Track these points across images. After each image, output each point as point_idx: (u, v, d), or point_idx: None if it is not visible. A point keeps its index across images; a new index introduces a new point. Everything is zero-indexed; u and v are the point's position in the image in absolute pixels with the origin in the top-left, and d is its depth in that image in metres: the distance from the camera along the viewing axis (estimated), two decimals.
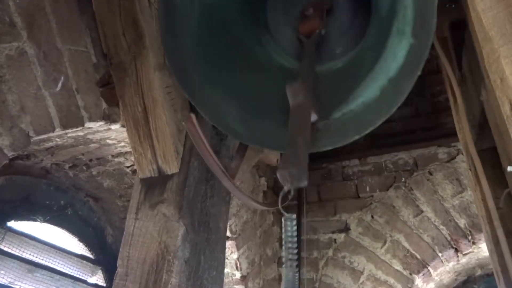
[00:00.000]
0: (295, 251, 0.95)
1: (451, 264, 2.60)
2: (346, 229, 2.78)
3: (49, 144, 1.64)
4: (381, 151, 2.81)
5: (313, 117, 1.03)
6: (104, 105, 1.51)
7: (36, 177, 2.05)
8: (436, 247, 2.56)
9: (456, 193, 2.57)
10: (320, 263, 2.77)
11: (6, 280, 1.90)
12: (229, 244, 2.37)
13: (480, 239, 2.45)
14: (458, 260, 2.59)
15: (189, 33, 1.20)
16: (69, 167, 2.08)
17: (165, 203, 1.27)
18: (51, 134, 1.40)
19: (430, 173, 2.66)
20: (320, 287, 2.71)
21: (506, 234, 1.28)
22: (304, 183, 0.88)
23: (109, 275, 2.36)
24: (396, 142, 2.78)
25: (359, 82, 1.11)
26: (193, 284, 1.23)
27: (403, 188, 2.71)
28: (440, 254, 2.56)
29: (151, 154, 1.34)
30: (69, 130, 1.46)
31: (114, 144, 1.83)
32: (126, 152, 1.97)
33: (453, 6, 1.34)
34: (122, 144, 1.83)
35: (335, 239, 2.78)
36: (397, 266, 2.61)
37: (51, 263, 2.11)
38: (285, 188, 0.87)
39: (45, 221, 2.13)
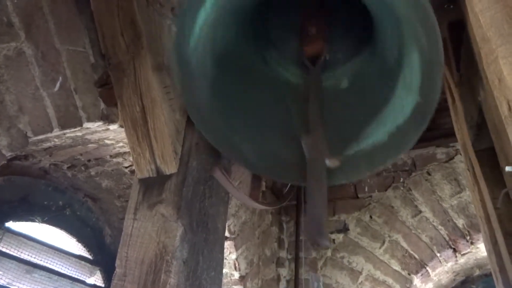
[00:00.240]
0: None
1: (449, 264, 2.61)
2: (344, 229, 2.78)
3: (47, 144, 1.64)
4: None
5: (327, 162, 1.07)
6: (102, 105, 1.51)
7: (34, 177, 2.04)
8: (435, 247, 2.56)
9: (455, 193, 2.57)
10: (319, 263, 2.78)
11: (4, 281, 1.89)
12: (227, 244, 2.37)
13: (478, 239, 2.46)
14: (457, 260, 2.59)
15: (205, 83, 1.17)
16: (68, 168, 2.07)
17: (163, 204, 1.27)
18: (49, 135, 1.40)
19: (429, 173, 2.66)
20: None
21: (504, 234, 1.28)
22: (327, 245, 0.96)
23: (108, 276, 2.36)
24: None
25: (369, 121, 1.15)
26: (192, 285, 1.23)
27: (402, 188, 2.72)
28: (438, 254, 2.56)
29: (150, 154, 1.34)
30: (67, 131, 1.46)
31: (113, 144, 1.83)
32: (125, 153, 1.97)
33: (451, 6, 1.35)
34: (121, 144, 1.83)
35: (333, 239, 2.78)
36: (396, 266, 2.61)
37: (50, 264, 2.10)
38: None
39: (43, 221, 2.13)
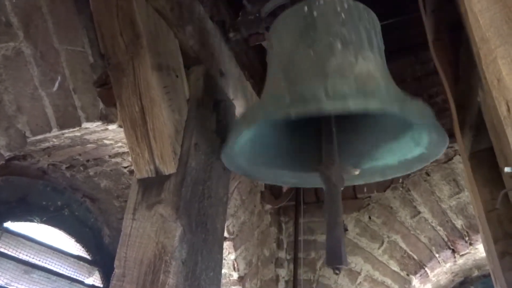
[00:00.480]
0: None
1: (448, 265, 2.61)
2: (343, 229, 2.78)
3: (46, 144, 1.64)
4: None
5: (350, 171, 1.25)
6: (101, 105, 1.51)
7: (32, 177, 2.04)
8: (433, 248, 2.57)
9: (453, 194, 2.57)
10: (317, 264, 2.78)
11: (2, 281, 1.89)
12: (226, 244, 2.36)
13: (477, 240, 2.46)
14: (455, 261, 2.59)
15: (245, 157, 1.39)
16: (66, 168, 2.07)
17: (162, 204, 1.27)
18: (47, 135, 1.40)
19: (427, 174, 2.66)
20: None
21: (503, 235, 1.29)
22: (347, 266, 1.09)
23: (106, 276, 2.35)
24: None
25: (382, 149, 1.36)
26: (191, 285, 1.23)
27: (401, 189, 2.72)
28: (437, 255, 2.56)
29: (149, 154, 1.34)
30: (66, 131, 1.45)
31: (111, 144, 1.82)
32: (123, 153, 1.97)
33: (450, 7, 1.35)
34: (119, 144, 1.83)
35: None
36: (394, 266, 2.61)
37: (48, 264, 2.10)
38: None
39: (41, 221, 2.12)
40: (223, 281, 2.44)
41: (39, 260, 2.06)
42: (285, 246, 2.94)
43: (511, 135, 0.74)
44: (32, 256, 2.04)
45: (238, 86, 1.84)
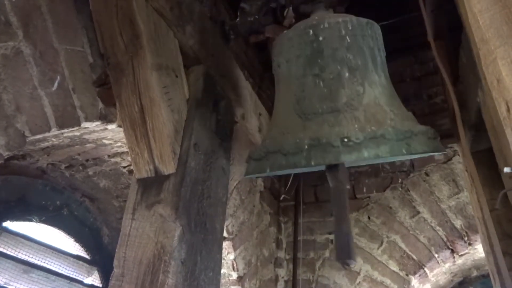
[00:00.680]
0: None
1: (447, 265, 2.61)
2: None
3: (45, 144, 1.64)
4: None
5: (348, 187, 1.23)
6: (101, 105, 1.51)
7: (32, 177, 2.04)
8: (433, 248, 2.57)
9: (453, 194, 2.57)
10: (316, 264, 2.78)
11: (1, 280, 1.88)
12: (225, 244, 2.36)
13: (476, 240, 2.46)
14: (454, 261, 2.59)
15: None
16: (65, 167, 2.07)
17: (161, 204, 1.27)
18: (47, 134, 1.40)
19: (427, 174, 2.66)
20: None
21: (502, 235, 1.29)
22: (355, 263, 1.09)
23: (105, 276, 2.35)
24: None
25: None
26: (190, 285, 1.23)
27: (400, 189, 2.72)
28: (436, 255, 2.56)
29: (148, 154, 1.33)
30: (65, 130, 1.45)
31: (111, 144, 1.82)
32: (123, 152, 1.96)
33: (450, 7, 1.35)
34: (119, 144, 1.83)
35: (331, 240, 2.78)
36: (394, 267, 2.61)
37: (47, 264, 2.09)
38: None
39: (41, 221, 2.12)
40: (222, 281, 2.44)
41: (38, 260, 2.06)
42: (284, 246, 2.94)
43: (510, 135, 0.74)
44: (31, 256, 2.04)
45: (237, 85, 1.84)
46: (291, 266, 2.79)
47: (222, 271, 2.38)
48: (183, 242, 1.23)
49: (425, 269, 2.58)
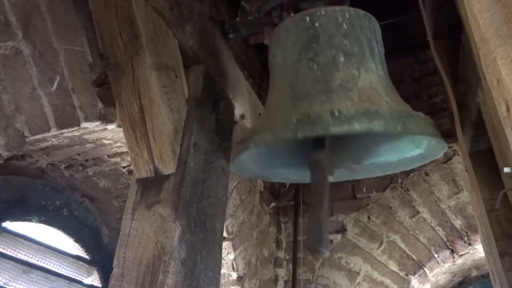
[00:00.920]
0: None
1: (447, 265, 2.61)
2: (342, 230, 2.78)
3: (45, 144, 1.64)
4: None
5: (330, 179, 1.19)
6: (100, 105, 1.51)
7: (31, 177, 2.04)
8: (432, 248, 2.57)
9: (452, 194, 2.58)
10: (316, 264, 2.77)
11: (1, 281, 1.88)
12: (225, 244, 2.36)
13: (476, 240, 2.46)
14: (454, 261, 2.59)
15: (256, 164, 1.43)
16: (65, 167, 2.07)
17: (161, 204, 1.27)
18: (46, 134, 1.39)
19: (427, 174, 2.66)
20: None
21: (502, 235, 1.29)
22: (327, 254, 1.07)
23: (105, 276, 2.35)
24: None
25: (382, 146, 1.36)
26: (189, 285, 1.23)
27: (400, 189, 2.72)
28: (436, 255, 2.56)
29: (148, 154, 1.33)
30: (65, 130, 1.45)
31: (110, 144, 1.82)
32: (122, 152, 1.96)
33: (450, 7, 1.35)
34: (118, 144, 1.83)
35: (331, 240, 2.78)
36: (393, 267, 2.61)
37: (47, 264, 2.09)
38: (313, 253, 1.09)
39: (40, 221, 2.12)
40: (222, 281, 2.44)
41: (38, 260, 2.06)
42: (284, 246, 2.94)
43: (510, 135, 0.74)
44: (30, 256, 2.03)
45: (237, 85, 1.84)
46: (291, 266, 2.79)
47: (222, 271, 2.38)
48: (183, 242, 1.23)
49: (425, 269, 2.58)
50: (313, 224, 1.07)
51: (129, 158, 1.66)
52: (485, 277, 2.72)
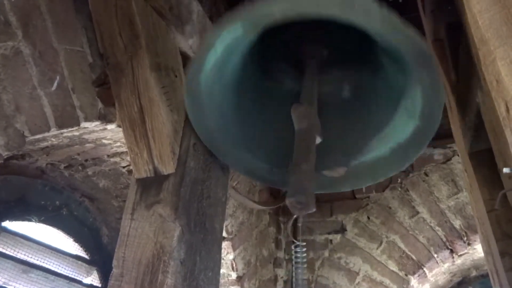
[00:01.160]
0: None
1: (446, 265, 2.61)
2: (342, 230, 2.78)
3: (45, 144, 1.64)
4: None
5: (317, 140, 1.07)
6: (100, 105, 1.51)
7: (31, 177, 2.04)
8: (432, 248, 2.57)
9: (452, 194, 2.58)
10: (316, 264, 2.78)
11: (0, 280, 1.88)
12: (225, 244, 2.36)
13: (475, 240, 2.46)
14: (454, 261, 2.60)
15: (214, 110, 1.27)
16: (65, 167, 2.07)
17: (161, 204, 1.27)
18: (46, 134, 1.40)
19: (426, 174, 2.67)
20: None
21: (501, 235, 1.29)
22: (313, 209, 0.92)
23: (105, 276, 2.35)
24: None
25: (372, 136, 1.24)
26: (189, 285, 1.23)
27: (399, 189, 2.72)
28: (435, 255, 2.57)
29: (147, 154, 1.33)
30: (65, 130, 1.45)
31: (110, 144, 1.82)
32: (122, 152, 1.96)
33: (449, 7, 1.35)
34: (118, 144, 1.83)
35: (331, 240, 2.78)
36: (393, 267, 2.62)
37: (46, 264, 2.09)
38: (295, 215, 0.92)
39: (40, 221, 2.12)
40: (222, 281, 2.45)
41: (37, 260, 2.06)
42: (283, 246, 2.94)
43: (510, 136, 0.74)
44: (30, 256, 2.03)
45: None
46: (290, 266, 2.80)
47: (222, 271, 2.38)
48: (183, 242, 1.23)
49: (424, 269, 2.59)
50: (296, 175, 0.93)
51: (128, 158, 1.66)
52: (484, 277, 2.73)
